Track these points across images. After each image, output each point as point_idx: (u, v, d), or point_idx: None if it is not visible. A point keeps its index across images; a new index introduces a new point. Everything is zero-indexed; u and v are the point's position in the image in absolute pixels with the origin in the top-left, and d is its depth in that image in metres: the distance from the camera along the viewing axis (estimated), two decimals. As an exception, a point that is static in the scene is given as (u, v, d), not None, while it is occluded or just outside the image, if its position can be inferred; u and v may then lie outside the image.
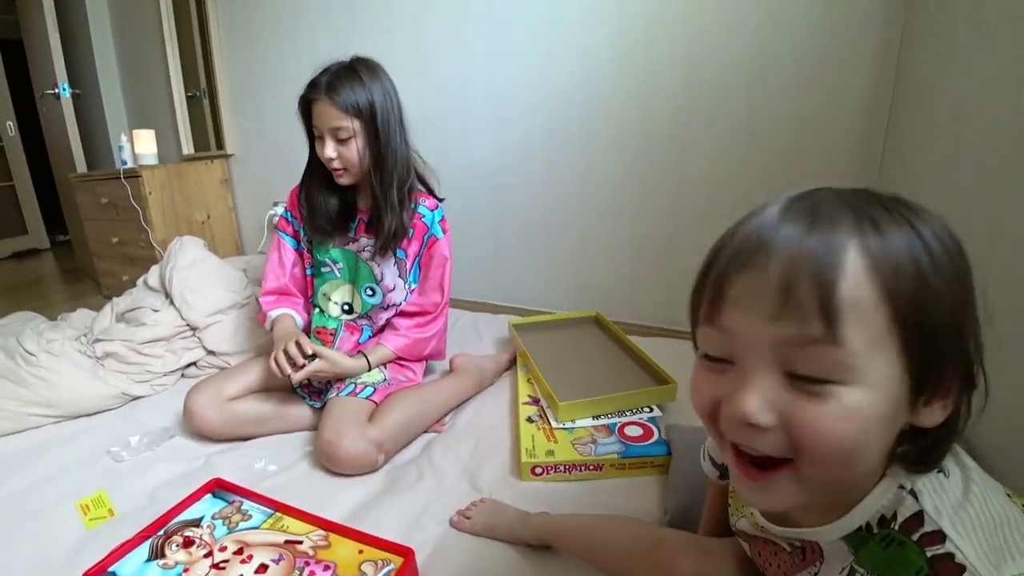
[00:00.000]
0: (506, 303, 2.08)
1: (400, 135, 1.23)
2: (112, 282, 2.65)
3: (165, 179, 2.50)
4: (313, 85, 1.17)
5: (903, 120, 1.40)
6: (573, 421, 1.18)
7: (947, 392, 0.38)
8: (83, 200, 2.81)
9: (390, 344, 1.29)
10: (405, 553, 0.86)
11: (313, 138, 1.23)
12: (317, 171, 1.27)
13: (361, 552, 0.88)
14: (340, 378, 1.23)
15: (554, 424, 1.17)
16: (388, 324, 1.36)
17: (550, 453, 1.08)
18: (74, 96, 3.05)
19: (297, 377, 1.15)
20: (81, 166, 3.07)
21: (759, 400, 0.37)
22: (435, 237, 1.29)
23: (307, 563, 0.86)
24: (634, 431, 1.14)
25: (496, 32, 1.90)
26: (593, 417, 1.19)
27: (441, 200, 1.35)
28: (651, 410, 1.20)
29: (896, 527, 0.39)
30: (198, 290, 1.56)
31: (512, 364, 1.49)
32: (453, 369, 1.38)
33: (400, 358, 1.32)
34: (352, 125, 1.16)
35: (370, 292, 1.32)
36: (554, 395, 1.19)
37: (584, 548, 0.81)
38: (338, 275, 1.34)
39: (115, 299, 1.67)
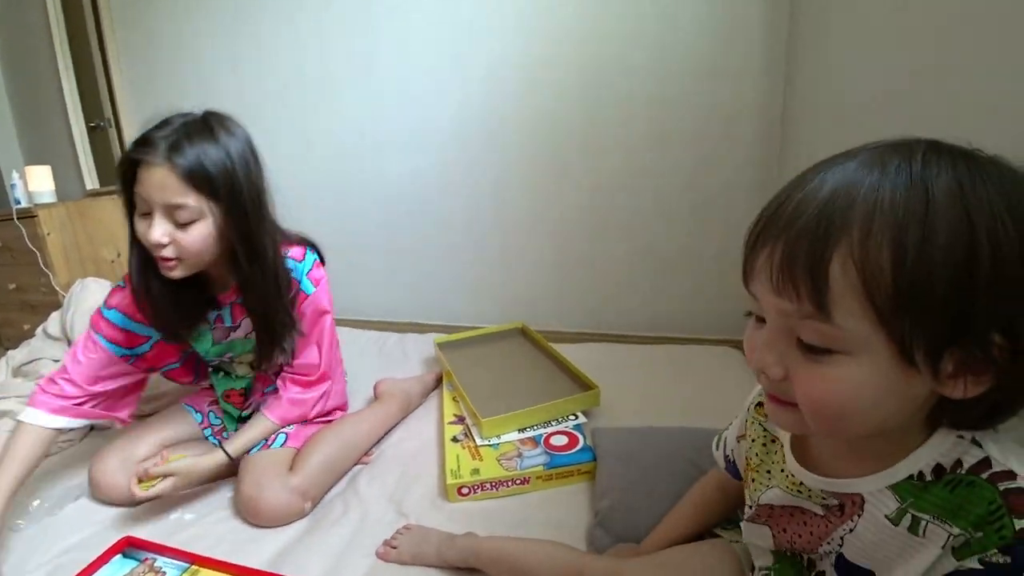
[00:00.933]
0: (433, 321, 2.08)
1: (267, 211, 1.00)
2: (12, 332, 2.45)
3: (65, 217, 2.35)
4: (145, 142, 0.88)
5: (796, 122, 1.50)
6: (498, 436, 1.18)
7: (976, 366, 0.37)
8: (-26, 245, 2.59)
9: (271, 414, 1.13)
10: None
11: (132, 212, 0.94)
12: (148, 257, 0.97)
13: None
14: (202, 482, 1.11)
15: (479, 441, 1.17)
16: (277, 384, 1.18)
17: (475, 472, 1.08)
18: (-41, 133, 2.83)
19: (142, 495, 0.99)
20: (-30, 208, 2.83)
21: (771, 355, 0.44)
22: (304, 294, 1.09)
23: (228, 616, 0.83)
24: (559, 440, 1.16)
25: (406, 46, 1.90)
26: (519, 430, 1.20)
27: (308, 244, 1.14)
28: (576, 417, 1.23)
29: (963, 471, 0.41)
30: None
31: (439, 383, 1.49)
32: (377, 396, 1.35)
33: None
34: (199, 204, 0.90)
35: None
36: (477, 412, 1.19)
37: (508, 573, 0.82)
38: (233, 363, 1.20)
39: (10, 352, 1.55)
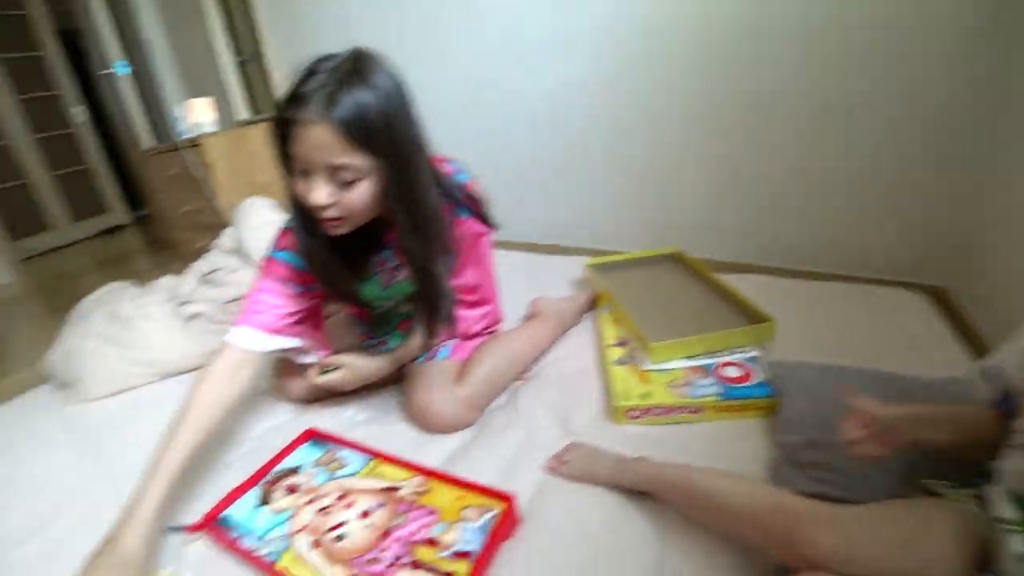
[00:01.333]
0: (575, 244, 2.01)
1: (425, 155, 0.90)
2: (189, 250, 2.75)
3: (226, 145, 2.54)
4: (297, 99, 0.78)
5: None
6: (666, 362, 1.12)
7: None
8: (152, 174, 2.91)
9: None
10: (506, 499, 0.85)
11: (290, 169, 0.86)
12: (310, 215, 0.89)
13: (461, 498, 0.88)
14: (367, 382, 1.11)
15: (645, 366, 1.12)
16: None
17: (645, 395, 1.03)
18: (130, 74, 3.13)
19: (316, 381, 1.03)
20: (147, 140, 3.17)
21: None
22: (460, 219, 1.02)
23: (408, 508, 0.87)
24: (732, 372, 1.07)
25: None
26: (687, 358, 1.13)
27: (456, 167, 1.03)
28: (748, 350, 1.13)
29: None
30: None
31: (592, 305, 1.44)
32: (533, 314, 1.33)
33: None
34: (361, 162, 0.81)
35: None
36: (644, 336, 1.13)
37: (690, 503, 0.78)
38: (395, 306, 1.16)
39: (195, 263, 1.72)
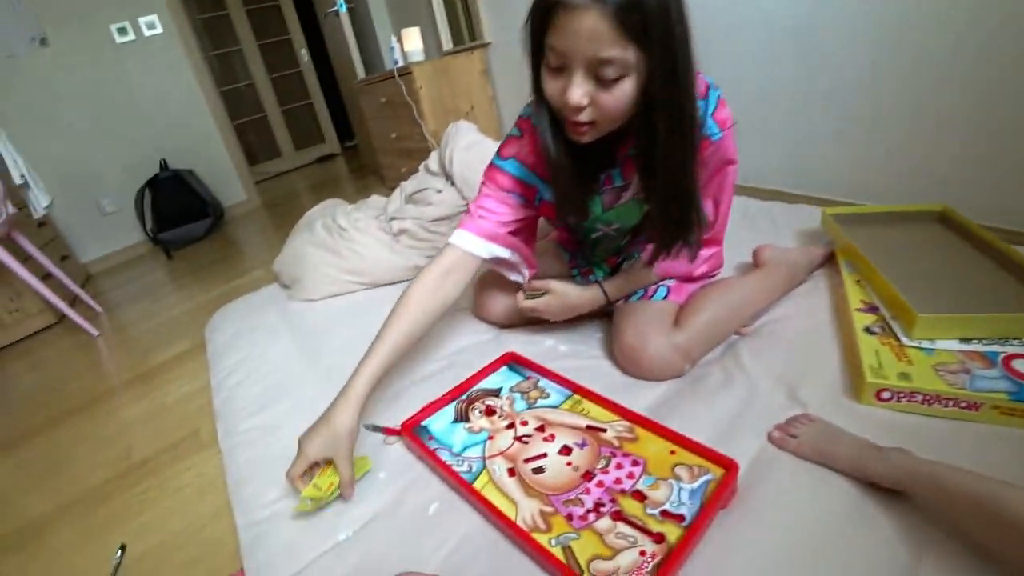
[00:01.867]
0: (804, 192, 1.70)
1: (693, 57, 0.74)
2: (393, 174, 2.95)
3: (432, 73, 2.60)
4: None
5: None
6: (932, 341, 0.88)
7: None
8: (365, 103, 3.13)
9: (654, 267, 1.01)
10: (727, 465, 0.72)
11: (539, 65, 0.76)
12: (553, 118, 0.81)
13: (673, 453, 0.77)
14: (572, 315, 1.05)
15: (905, 341, 0.88)
16: None
17: (904, 376, 0.81)
18: (349, 10, 3.36)
19: (523, 305, 1.02)
20: (360, 72, 3.41)
21: None
22: (709, 140, 0.86)
23: (613, 453, 0.78)
24: (1028, 365, 0.79)
25: None
26: (960, 340, 0.87)
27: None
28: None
29: None
30: (477, 169, 1.55)
31: (826, 261, 1.20)
32: (760, 263, 1.14)
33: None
34: (629, 56, 0.68)
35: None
36: (908, 304, 0.89)
37: (975, 517, 0.58)
38: (614, 234, 1.03)
39: (403, 183, 1.79)
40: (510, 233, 0.98)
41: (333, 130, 5.19)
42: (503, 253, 0.98)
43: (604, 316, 1.09)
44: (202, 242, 3.04)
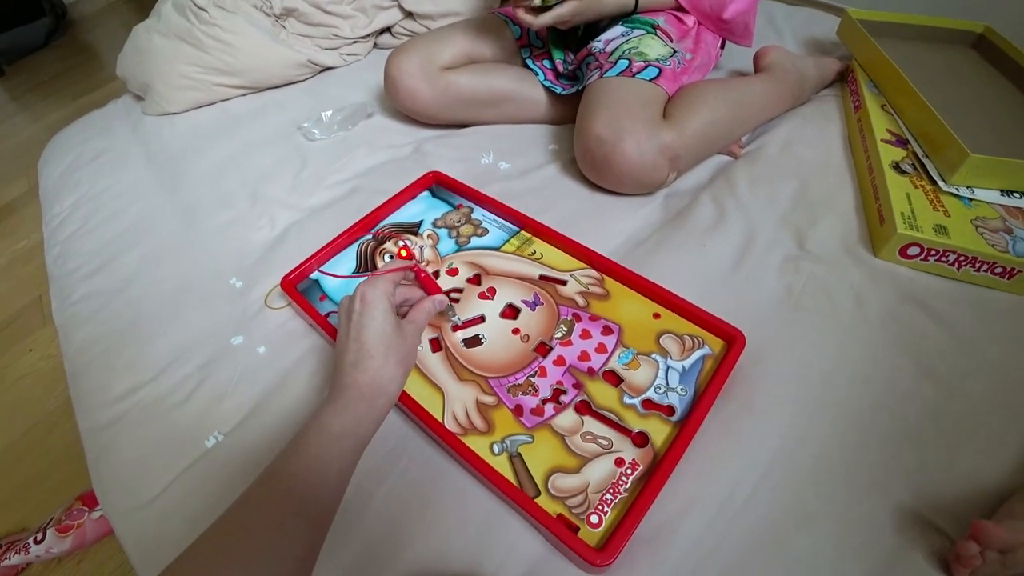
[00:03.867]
0: None
1: None
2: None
3: None
4: None
5: None
6: (971, 189, 0.68)
7: None
8: None
9: None
10: (731, 335, 0.51)
11: None
12: None
13: (658, 317, 0.54)
14: (597, 19, 0.80)
15: (943, 185, 0.67)
16: None
17: (940, 230, 0.61)
18: None
19: (539, 22, 0.72)
20: None
21: None
22: None
23: (576, 316, 0.55)
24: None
25: None
26: (1002, 192, 0.68)
27: None
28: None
29: None
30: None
31: (841, 78, 0.90)
32: (762, 67, 0.85)
33: (682, 9, 0.81)
34: None
35: None
36: (957, 138, 0.65)
37: None
38: None
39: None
40: None
41: None
42: None
43: (557, 119, 0.80)
44: (44, 51, 2.36)
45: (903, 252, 0.62)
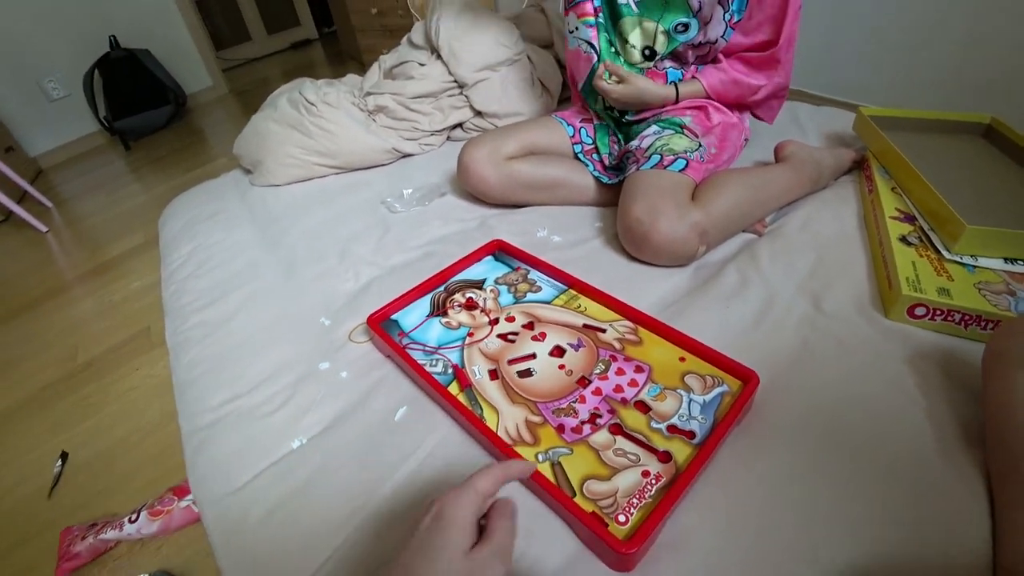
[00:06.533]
0: (833, 95, 1.49)
1: None
2: (373, 58, 2.64)
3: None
4: None
5: None
6: (975, 258, 0.76)
7: None
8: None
9: (705, 79, 0.95)
10: (746, 376, 0.60)
11: None
12: None
13: (683, 360, 0.64)
14: (642, 108, 0.99)
15: (946, 254, 0.76)
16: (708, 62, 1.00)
17: (943, 292, 0.69)
18: None
19: (598, 85, 0.95)
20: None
21: None
22: None
23: (613, 357, 0.65)
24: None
25: None
26: (1005, 259, 0.76)
27: None
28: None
29: None
30: (465, 41, 1.33)
31: (856, 166, 1.03)
32: (782, 158, 0.98)
33: (712, 100, 0.98)
34: None
35: (681, 28, 0.93)
36: (954, 213, 0.75)
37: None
38: (636, 10, 0.97)
39: (382, 56, 1.55)
40: None
41: (309, 12, 4.69)
42: None
43: (603, 204, 0.94)
44: (164, 132, 2.77)
45: (911, 312, 0.69)
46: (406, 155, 1.35)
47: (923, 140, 1.07)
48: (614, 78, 0.95)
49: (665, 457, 0.54)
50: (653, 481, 0.52)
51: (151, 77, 2.72)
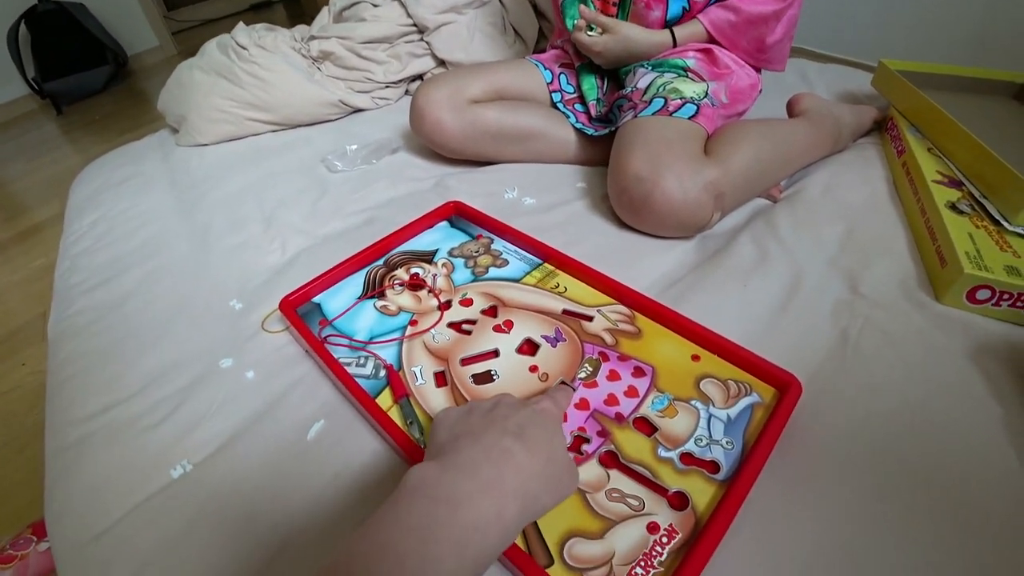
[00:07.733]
0: (841, 54, 1.33)
1: None
2: None
3: None
4: None
5: None
6: None
7: None
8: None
9: (706, 18, 0.78)
10: (784, 382, 0.44)
11: None
12: None
13: (697, 360, 0.47)
14: (628, 61, 0.81)
15: (1007, 226, 0.61)
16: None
17: (1012, 271, 0.54)
18: None
19: (578, 38, 0.77)
20: None
21: None
22: None
23: (603, 355, 0.48)
24: None
25: None
26: None
27: None
28: None
29: None
30: (426, -24, 1.14)
31: (877, 127, 0.89)
32: (797, 113, 0.82)
33: (715, 43, 0.80)
34: None
35: None
36: (1021, 176, 0.61)
37: None
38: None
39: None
40: None
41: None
42: None
43: (586, 161, 0.77)
44: (101, 95, 2.49)
45: (971, 296, 0.55)
46: (357, 110, 1.15)
47: (946, 99, 0.92)
48: (598, 30, 0.78)
49: (679, 501, 0.37)
50: (664, 539, 0.35)
51: (86, 34, 2.43)
